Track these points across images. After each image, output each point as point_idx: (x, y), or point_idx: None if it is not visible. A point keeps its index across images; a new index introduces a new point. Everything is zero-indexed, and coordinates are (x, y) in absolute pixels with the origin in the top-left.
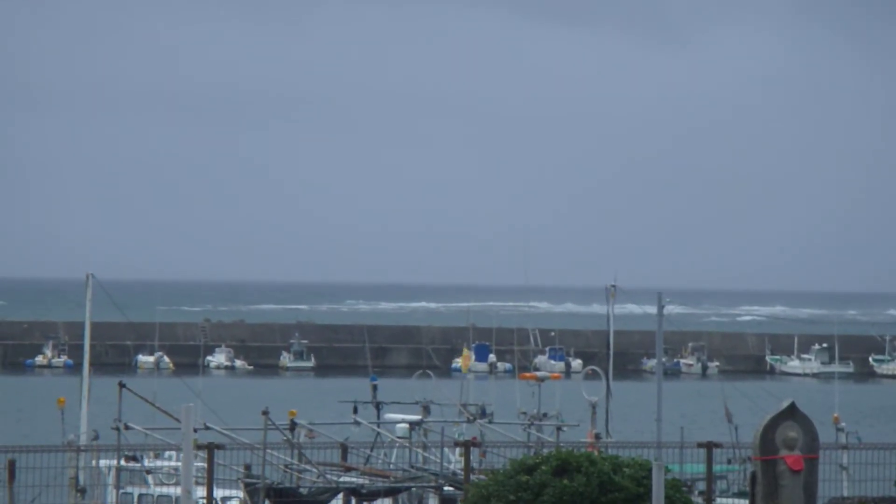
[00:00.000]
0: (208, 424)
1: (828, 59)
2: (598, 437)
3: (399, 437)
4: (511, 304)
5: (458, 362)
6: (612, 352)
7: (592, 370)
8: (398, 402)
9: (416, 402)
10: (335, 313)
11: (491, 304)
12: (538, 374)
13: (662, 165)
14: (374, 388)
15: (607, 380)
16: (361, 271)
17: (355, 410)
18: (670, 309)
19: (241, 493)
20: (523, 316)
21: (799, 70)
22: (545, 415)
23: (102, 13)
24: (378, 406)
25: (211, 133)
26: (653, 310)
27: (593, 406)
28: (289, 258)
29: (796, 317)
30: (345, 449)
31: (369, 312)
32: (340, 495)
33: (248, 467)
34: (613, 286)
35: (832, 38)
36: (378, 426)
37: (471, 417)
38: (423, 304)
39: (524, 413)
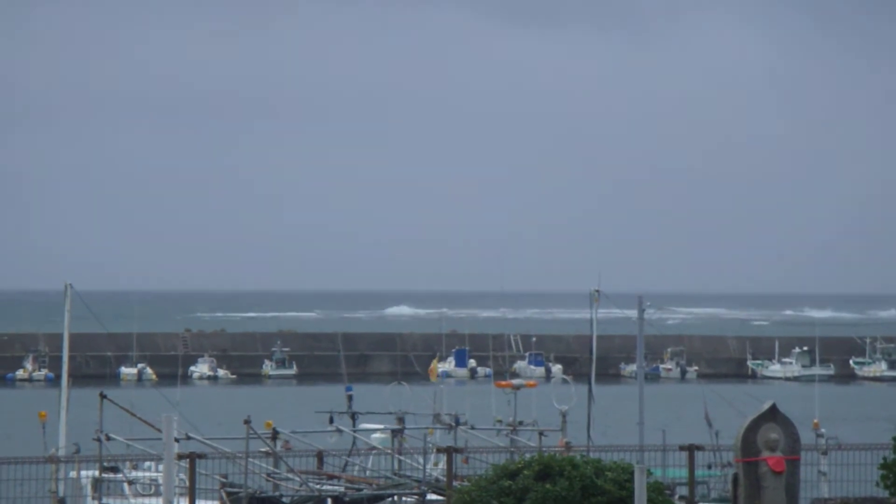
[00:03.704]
0: (190, 434)
1: (800, 44)
2: (568, 445)
3: (380, 447)
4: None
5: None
6: (594, 356)
7: (565, 381)
8: (373, 413)
9: (390, 413)
10: (316, 321)
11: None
12: (514, 381)
13: (644, 172)
14: (350, 398)
15: (590, 385)
16: (337, 279)
17: (331, 421)
18: (650, 313)
19: None
20: (503, 321)
21: (776, 62)
22: (521, 423)
23: (79, 23)
24: (353, 416)
25: (187, 139)
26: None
27: (563, 415)
28: (263, 266)
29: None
30: (321, 457)
31: (351, 320)
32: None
33: (224, 476)
34: (597, 291)
35: (806, 24)
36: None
37: (450, 425)
38: (403, 308)
39: (500, 421)
